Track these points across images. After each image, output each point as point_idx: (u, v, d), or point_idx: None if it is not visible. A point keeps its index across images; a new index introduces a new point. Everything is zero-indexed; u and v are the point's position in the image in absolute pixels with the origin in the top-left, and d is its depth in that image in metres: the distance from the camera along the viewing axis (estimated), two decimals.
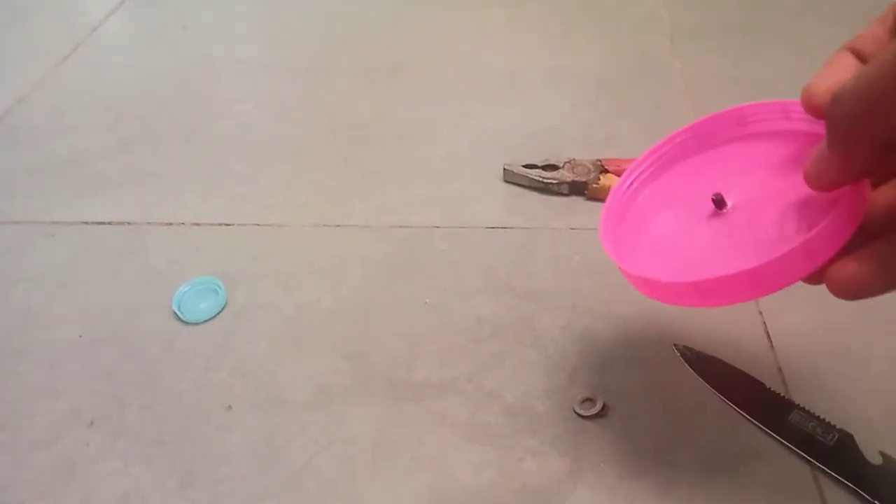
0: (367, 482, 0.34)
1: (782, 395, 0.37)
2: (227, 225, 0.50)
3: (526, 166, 0.52)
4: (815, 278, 0.26)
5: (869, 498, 0.32)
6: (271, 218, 0.50)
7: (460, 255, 0.47)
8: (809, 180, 0.25)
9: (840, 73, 0.25)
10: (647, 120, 0.58)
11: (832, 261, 0.25)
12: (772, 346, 0.39)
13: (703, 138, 0.34)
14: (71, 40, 0.74)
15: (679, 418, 0.36)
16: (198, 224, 0.50)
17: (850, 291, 0.24)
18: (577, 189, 0.51)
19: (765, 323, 0.41)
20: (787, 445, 0.35)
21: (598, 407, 0.36)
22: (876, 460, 0.33)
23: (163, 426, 0.37)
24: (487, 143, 0.56)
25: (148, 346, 0.41)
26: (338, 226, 0.50)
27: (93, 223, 0.50)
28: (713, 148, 0.33)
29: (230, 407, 0.38)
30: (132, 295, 0.45)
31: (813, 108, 0.26)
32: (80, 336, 0.42)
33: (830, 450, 0.34)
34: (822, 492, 0.33)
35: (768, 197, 0.29)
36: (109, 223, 0.50)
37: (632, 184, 0.34)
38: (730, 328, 0.40)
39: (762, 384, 0.37)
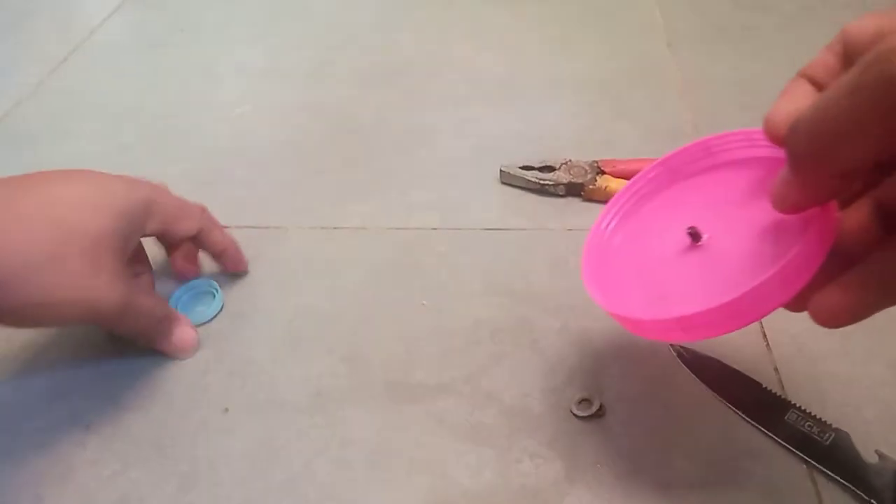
0: (365, 485, 0.34)
1: (779, 394, 0.37)
2: (224, 228, 0.50)
3: (522, 168, 0.52)
4: (797, 304, 0.26)
5: (865, 497, 0.32)
6: (269, 221, 0.51)
7: (458, 257, 0.47)
8: (775, 204, 0.26)
9: (797, 100, 0.25)
10: (644, 122, 0.58)
11: (811, 285, 0.25)
12: (768, 346, 0.40)
13: (674, 172, 0.34)
14: (69, 44, 0.74)
15: (676, 418, 0.36)
16: None
17: (833, 321, 0.24)
18: (574, 190, 0.51)
19: (761, 323, 0.41)
20: (783, 445, 0.35)
21: (595, 408, 0.37)
22: (872, 459, 0.33)
23: (160, 429, 0.37)
24: (486, 146, 0.57)
25: (144, 349, 0.41)
26: (336, 228, 0.50)
27: None
28: (685, 180, 0.34)
29: (227, 410, 0.38)
30: None
31: (774, 138, 0.26)
32: (78, 339, 0.42)
33: (827, 449, 0.34)
34: (818, 491, 0.33)
35: (742, 226, 0.29)
36: None
37: (609, 223, 0.35)
38: None
39: (759, 384, 0.37)
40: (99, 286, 0.34)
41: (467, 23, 0.75)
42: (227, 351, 0.41)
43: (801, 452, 0.34)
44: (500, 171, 0.52)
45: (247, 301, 0.44)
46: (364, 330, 0.42)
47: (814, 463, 0.34)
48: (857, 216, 0.26)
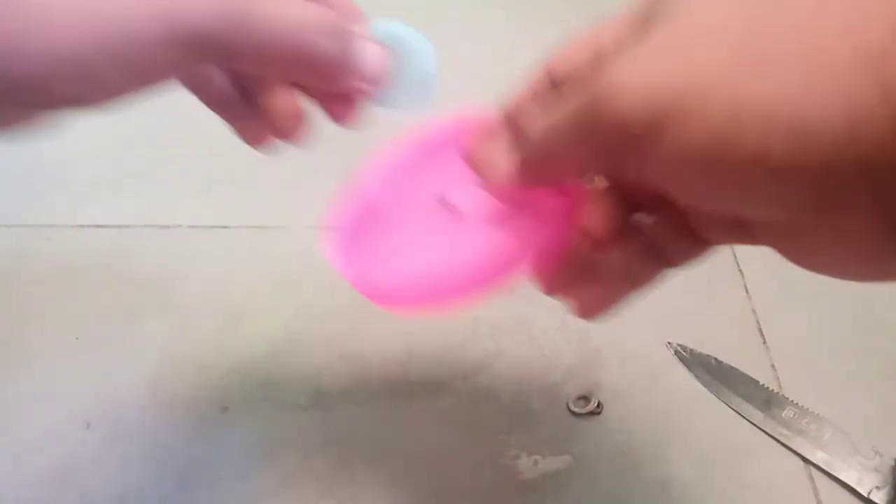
0: (364, 482, 0.35)
1: (776, 391, 0.37)
2: (224, 227, 0.50)
3: None
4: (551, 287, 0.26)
5: (863, 494, 0.32)
6: (268, 220, 0.51)
7: None
8: (484, 185, 0.26)
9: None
10: None
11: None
12: (765, 343, 0.40)
13: (431, 143, 0.33)
14: None
15: (673, 416, 0.37)
16: (194, 227, 0.50)
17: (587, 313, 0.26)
18: None
19: (758, 321, 0.41)
20: (780, 442, 0.35)
21: (593, 405, 0.37)
22: (869, 456, 0.33)
23: (160, 427, 0.37)
24: None
25: (144, 348, 0.41)
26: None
27: (89, 226, 0.50)
28: (442, 152, 0.33)
29: (226, 408, 0.38)
30: (128, 297, 0.45)
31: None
32: (77, 338, 0.42)
33: (824, 446, 0.34)
34: (815, 488, 0.33)
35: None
36: (106, 226, 0.50)
37: (366, 194, 0.33)
38: (723, 326, 0.40)
39: (756, 381, 0.37)
40: None
41: (467, 23, 0.75)
42: (227, 349, 0.41)
43: (798, 449, 0.34)
44: None
45: (247, 300, 0.44)
46: (363, 328, 0.42)
47: (811, 460, 0.34)
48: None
